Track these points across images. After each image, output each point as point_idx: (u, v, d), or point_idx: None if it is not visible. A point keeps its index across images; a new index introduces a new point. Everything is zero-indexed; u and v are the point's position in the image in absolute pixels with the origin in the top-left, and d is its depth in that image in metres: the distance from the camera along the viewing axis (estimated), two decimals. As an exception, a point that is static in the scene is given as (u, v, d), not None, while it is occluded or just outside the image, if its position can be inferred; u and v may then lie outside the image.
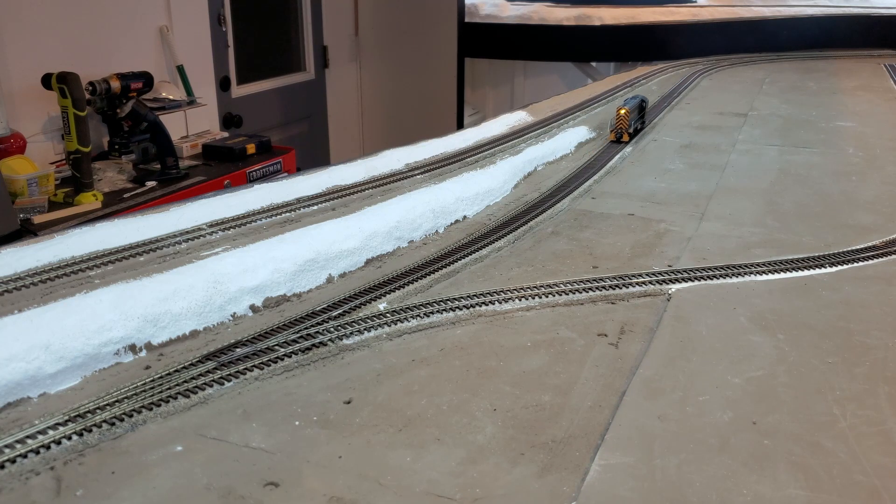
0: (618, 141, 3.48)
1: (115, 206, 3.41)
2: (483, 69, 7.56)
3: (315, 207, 2.43)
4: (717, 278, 2.04)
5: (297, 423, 1.38)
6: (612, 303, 1.89)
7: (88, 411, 1.37)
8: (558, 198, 2.68)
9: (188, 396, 1.44)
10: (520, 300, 1.89)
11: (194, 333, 1.67)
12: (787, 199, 2.76)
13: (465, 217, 2.45)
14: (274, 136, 4.82)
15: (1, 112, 3.38)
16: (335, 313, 1.77)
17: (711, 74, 5.73)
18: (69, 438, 1.30)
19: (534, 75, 7.69)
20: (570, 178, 2.93)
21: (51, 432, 1.31)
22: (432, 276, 2.00)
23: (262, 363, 1.56)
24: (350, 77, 6.34)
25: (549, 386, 1.51)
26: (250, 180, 4.13)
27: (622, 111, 3.49)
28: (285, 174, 4.13)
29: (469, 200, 2.48)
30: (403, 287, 1.92)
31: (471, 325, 1.77)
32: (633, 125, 3.55)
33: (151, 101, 4.05)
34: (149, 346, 1.59)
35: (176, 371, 1.52)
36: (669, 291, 1.95)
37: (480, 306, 1.85)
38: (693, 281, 2.02)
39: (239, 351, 1.60)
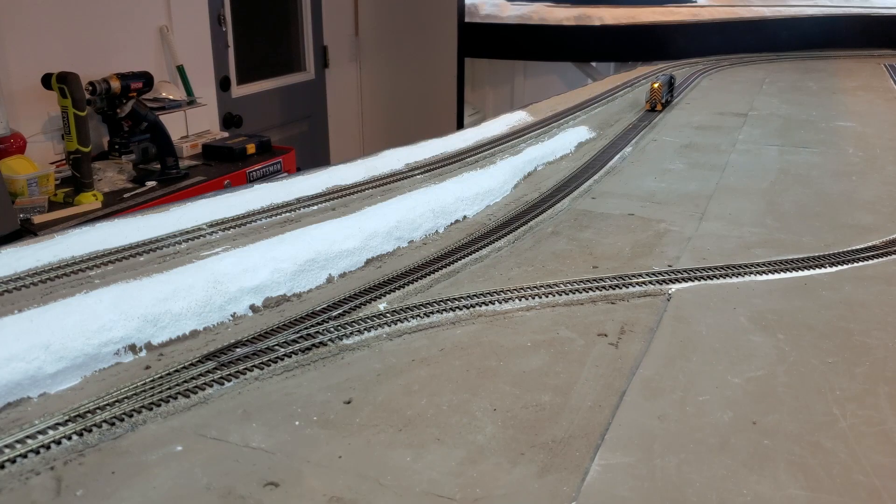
0: (652, 110, 4.22)
1: (115, 206, 3.41)
2: (483, 69, 7.56)
3: (315, 207, 2.43)
4: (717, 278, 2.04)
5: (297, 423, 1.38)
6: (612, 303, 1.89)
7: (88, 411, 1.37)
8: (558, 198, 2.68)
9: (188, 396, 1.44)
10: (520, 300, 1.89)
11: (194, 333, 1.67)
12: (787, 199, 2.76)
13: (465, 217, 2.45)
14: (274, 136, 4.82)
15: (1, 112, 3.38)
16: (335, 313, 1.77)
17: (711, 74, 5.73)
18: (69, 438, 1.30)
19: (534, 75, 7.69)
20: (570, 178, 2.93)
21: (51, 432, 1.31)
22: (432, 276, 2.00)
23: (262, 363, 1.56)
24: (350, 77, 6.34)
25: (549, 386, 1.51)
26: (250, 180, 4.13)
27: (655, 85, 4.22)
28: (285, 174, 4.13)
29: (469, 200, 2.48)
30: (403, 287, 1.92)
31: (471, 325, 1.77)
32: (664, 97, 4.26)
33: (151, 101, 4.05)
34: (149, 346, 1.59)
35: (176, 371, 1.52)
36: (669, 291, 1.95)
37: (480, 306, 1.85)
38: (693, 281, 2.02)
39: (239, 351, 1.60)
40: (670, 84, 4.46)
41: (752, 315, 1.83)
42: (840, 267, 2.13)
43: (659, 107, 4.21)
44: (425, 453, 1.30)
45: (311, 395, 1.47)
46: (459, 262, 2.10)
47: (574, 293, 1.93)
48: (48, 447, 1.28)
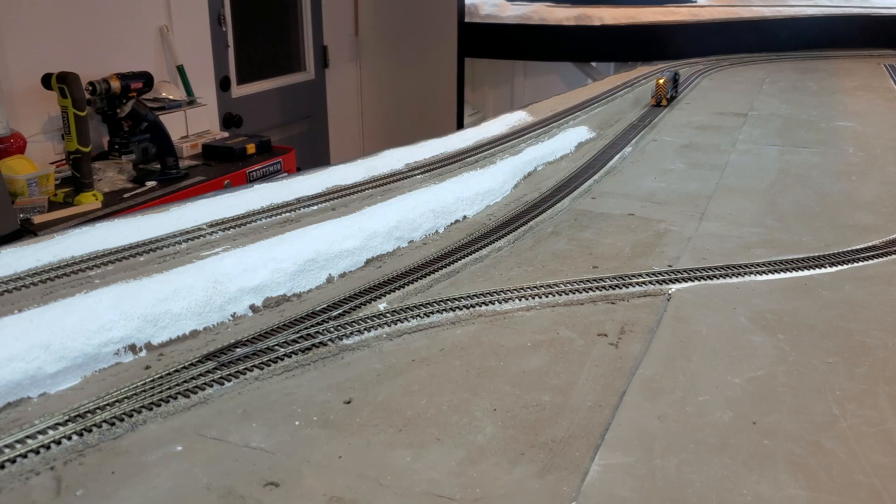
0: (658, 105, 4.34)
1: (115, 206, 3.41)
2: (483, 69, 7.56)
3: (315, 207, 2.43)
4: (717, 278, 2.04)
5: (297, 423, 1.38)
6: (612, 303, 1.89)
7: (88, 411, 1.37)
8: (558, 198, 2.68)
9: (188, 396, 1.44)
10: (520, 300, 1.89)
11: (194, 333, 1.67)
12: (787, 199, 2.76)
13: (465, 217, 2.45)
14: (274, 136, 4.82)
15: (1, 112, 3.38)
16: (335, 313, 1.77)
17: (711, 74, 5.73)
18: (69, 438, 1.30)
19: (534, 75, 7.70)
20: (570, 178, 2.93)
21: (51, 432, 1.31)
22: (432, 276, 2.00)
23: (262, 363, 1.56)
24: (350, 77, 6.34)
25: (549, 386, 1.51)
26: (250, 180, 4.13)
27: (661, 81, 4.34)
28: (285, 174, 4.13)
29: (469, 200, 2.48)
30: (403, 287, 1.92)
31: (471, 325, 1.77)
32: (669, 92, 4.39)
33: (151, 101, 4.05)
34: (149, 346, 1.59)
35: (176, 371, 1.52)
36: (669, 291, 1.95)
37: (480, 306, 1.85)
38: (693, 281, 2.01)
39: (239, 351, 1.60)
40: (675, 80, 4.60)
41: (752, 315, 1.83)
42: (840, 267, 2.12)
43: (664, 102, 4.35)
44: (425, 453, 1.30)
45: (311, 395, 1.47)
46: (459, 262, 2.10)
47: (574, 293, 1.93)
48: (48, 447, 1.28)
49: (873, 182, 2.98)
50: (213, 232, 2.17)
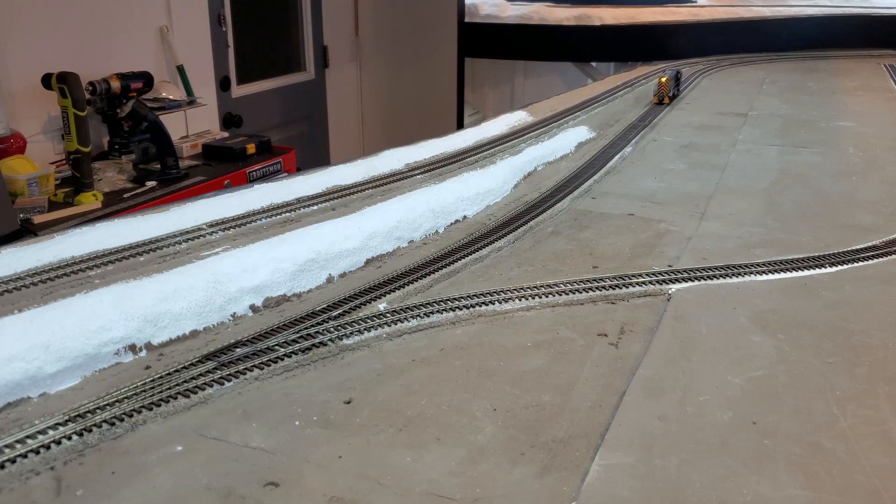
0: (660, 103, 4.40)
1: (115, 206, 3.41)
2: (483, 69, 7.56)
3: (315, 207, 2.43)
4: (717, 278, 2.04)
5: (297, 423, 1.38)
6: (612, 303, 1.89)
7: (88, 411, 1.37)
8: (558, 198, 2.68)
9: (188, 396, 1.44)
10: (520, 300, 1.89)
11: (194, 333, 1.67)
12: (787, 199, 2.76)
13: (465, 217, 2.45)
14: (274, 136, 4.81)
15: (1, 112, 3.38)
16: (335, 313, 1.77)
17: (711, 74, 5.73)
18: (69, 438, 1.30)
19: (534, 75, 7.69)
20: (570, 178, 2.93)
21: (51, 432, 1.31)
22: (432, 276, 2.00)
23: (262, 363, 1.56)
24: (350, 77, 6.34)
25: (549, 386, 1.51)
26: (250, 180, 4.13)
27: (663, 79, 4.40)
28: (285, 174, 4.13)
29: (469, 200, 2.48)
30: (403, 287, 1.92)
31: (471, 325, 1.77)
32: (671, 90, 4.46)
33: (151, 101, 4.05)
34: (149, 346, 1.59)
35: (176, 371, 1.52)
36: (669, 291, 1.95)
37: (480, 306, 1.85)
38: (693, 281, 2.02)
39: (239, 351, 1.60)
40: (677, 78, 4.69)
41: (752, 315, 1.83)
42: (840, 267, 2.12)
43: (666, 100, 4.42)
44: (425, 453, 1.30)
45: (311, 395, 1.47)
46: (459, 262, 2.10)
47: (574, 293, 1.93)
48: (48, 447, 1.28)
49: (873, 182, 2.98)
50: (213, 232, 2.17)
